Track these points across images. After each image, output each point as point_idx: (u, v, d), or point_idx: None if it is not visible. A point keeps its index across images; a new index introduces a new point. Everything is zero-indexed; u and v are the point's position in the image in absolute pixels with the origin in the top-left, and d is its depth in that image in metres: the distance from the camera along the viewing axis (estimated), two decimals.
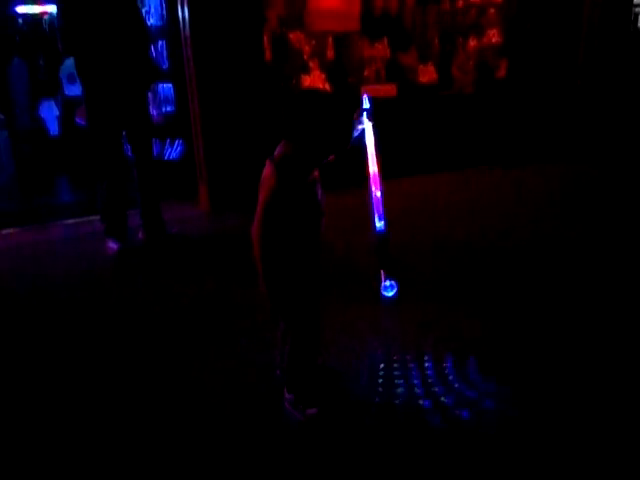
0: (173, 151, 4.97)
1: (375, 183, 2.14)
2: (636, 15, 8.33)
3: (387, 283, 2.38)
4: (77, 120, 4.47)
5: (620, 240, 3.64)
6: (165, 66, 4.81)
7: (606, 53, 6.47)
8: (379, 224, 2.14)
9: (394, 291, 2.38)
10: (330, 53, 5.04)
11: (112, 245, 3.80)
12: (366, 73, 5.24)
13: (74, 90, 4.78)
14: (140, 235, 3.95)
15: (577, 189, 4.97)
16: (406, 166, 5.09)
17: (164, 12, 4.71)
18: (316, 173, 1.81)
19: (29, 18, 7.12)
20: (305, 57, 4.94)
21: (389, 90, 5.30)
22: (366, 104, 2.22)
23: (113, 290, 3.22)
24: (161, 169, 4.51)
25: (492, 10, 5.92)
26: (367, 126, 2.20)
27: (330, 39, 5.02)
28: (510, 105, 5.99)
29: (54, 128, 6.49)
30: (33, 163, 6.20)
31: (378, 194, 2.14)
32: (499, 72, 6.07)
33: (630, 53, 6.75)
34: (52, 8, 6.47)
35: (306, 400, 1.95)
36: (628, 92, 6.46)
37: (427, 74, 5.63)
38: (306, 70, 4.97)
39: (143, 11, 4.61)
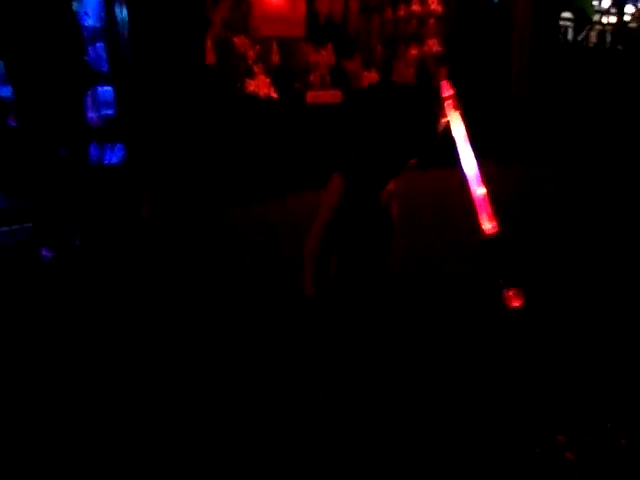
0: (113, 156, 4.81)
1: (476, 180, 1.81)
2: (565, 28, 8.82)
3: (510, 293, 2.05)
4: (10, 123, 4.26)
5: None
6: (105, 69, 4.65)
7: (538, 63, 6.77)
8: (488, 226, 1.81)
9: (521, 301, 2.04)
10: (275, 58, 5.04)
11: (46, 253, 3.64)
12: (311, 79, 5.26)
13: (7, 91, 4.54)
14: (76, 242, 3.80)
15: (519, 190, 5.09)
16: None
17: (102, 13, 4.56)
18: (392, 186, 1.59)
19: None
20: (250, 61, 4.91)
21: (334, 96, 5.34)
22: (448, 91, 1.92)
23: (47, 299, 3.07)
24: (100, 174, 4.36)
25: (432, 20, 6.09)
26: (453, 117, 1.89)
27: (275, 44, 5.01)
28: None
29: None
30: None
31: (482, 192, 1.80)
32: (439, 80, 6.24)
33: (561, 63, 7.10)
34: None
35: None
36: (560, 99, 6.78)
37: (371, 80, 5.71)
38: (251, 75, 4.94)
39: (80, 12, 4.45)
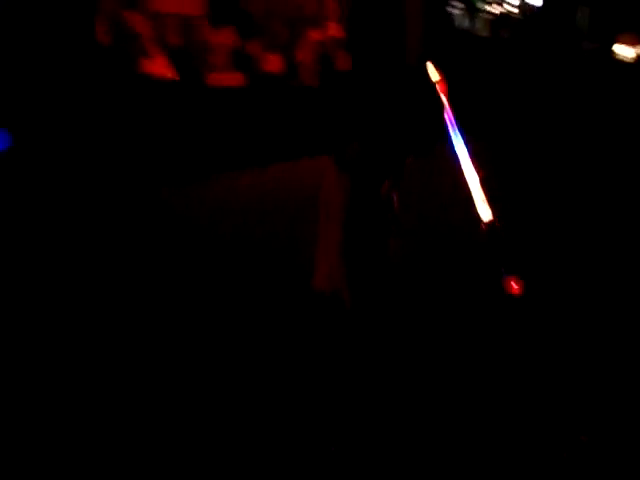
0: None
1: (469, 166, 1.74)
2: (454, 17, 9.19)
3: (510, 280, 2.00)
4: None
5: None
6: None
7: (430, 51, 6.99)
8: (485, 213, 1.78)
9: (519, 287, 1.99)
10: (173, 37, 4.76)
11: None
12: (212, 60, 5.04)
13: None
14: None
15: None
16: (259, 155, 5.00)
17: None
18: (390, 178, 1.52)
19: None
20: (145, 40, 4.61)
21: (237, 79, 5.17)
22: (434, 75, 1.83)
23: None
24: None
25: (333, 4, 6.07)
26: (441, 102, 1.79)
27: (172, 22, 4.74)
28: (354, 97, 6.20)
29: None
30: None
31: (476, 179, 1.75)
32: (342, 64, 6.25)
33: (451, 51, 7.38)
34: None
35: None
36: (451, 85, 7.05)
37: (274, 63, 5.60)
38: (147, 54, 4.64)
39: None
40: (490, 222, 1.74)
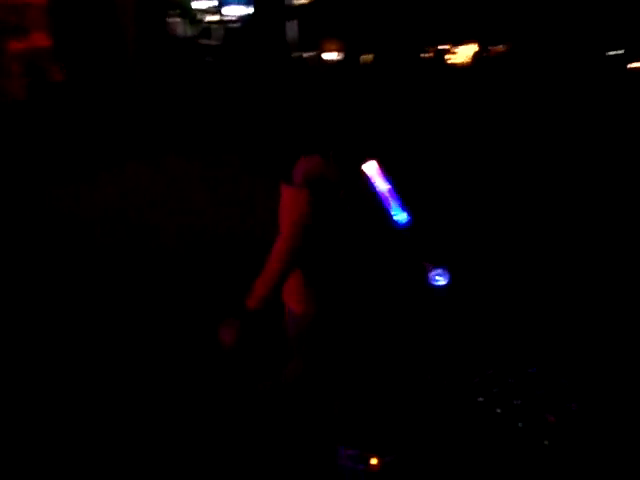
0: None
1: (378, 177, 1.80)
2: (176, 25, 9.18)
3: (437, 271, 1.98)
4: None
5: None
6: None
7: (148, 58, 6.83)
8: (401, 216, 1.84)
9: (446, 278, 1.98)
10: None
11: None
12: None
13: None
14: None
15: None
16: None
17: None
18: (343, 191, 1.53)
19: None
20: None
21: None
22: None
23: None
24: None
25: (35, 11, 5.59)
26: None
27: None
28: (69, 107, 5.75)
29: None
30: None
31: (384, 185, 1.82)
32: (54, 76, 5.79)
33: (173, 57, 7.36)
34: None
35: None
36: (170, 88, 6.96)
37: None
38: None
39: None
40: (408, 224, 1.87)
